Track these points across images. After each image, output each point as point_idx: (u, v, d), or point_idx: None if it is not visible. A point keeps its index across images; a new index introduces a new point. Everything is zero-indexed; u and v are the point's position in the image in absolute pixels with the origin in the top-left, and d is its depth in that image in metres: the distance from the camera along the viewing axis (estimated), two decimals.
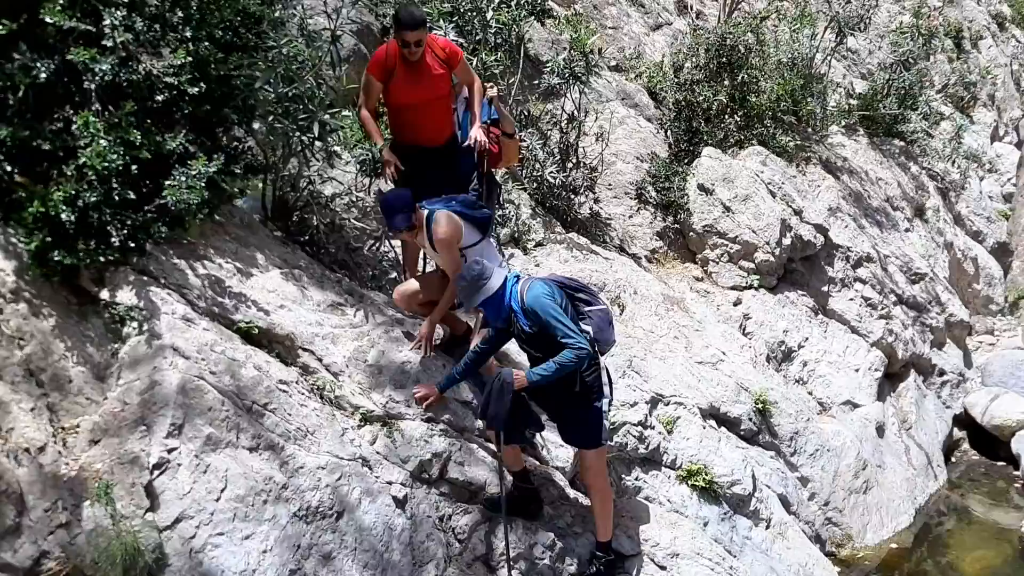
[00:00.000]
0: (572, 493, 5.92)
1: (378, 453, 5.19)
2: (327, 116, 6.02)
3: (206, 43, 5.36)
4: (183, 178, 4.97)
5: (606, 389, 5.38)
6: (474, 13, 8.37)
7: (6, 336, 4.44)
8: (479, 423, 5.50)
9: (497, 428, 5.17)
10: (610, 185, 9.59)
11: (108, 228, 4.85)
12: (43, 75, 4.77)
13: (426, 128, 6.16)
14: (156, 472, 4.42)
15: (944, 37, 15.53)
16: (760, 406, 7.93)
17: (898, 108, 12.66)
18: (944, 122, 14.01)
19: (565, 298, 5.23)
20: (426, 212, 5.56)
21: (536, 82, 9.20)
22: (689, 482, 6.71)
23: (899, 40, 13.05)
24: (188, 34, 5.27)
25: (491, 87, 6.58)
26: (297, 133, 6.01)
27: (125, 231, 4.91)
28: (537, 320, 5.07)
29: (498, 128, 6.59)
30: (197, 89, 5.22)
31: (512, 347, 5.86)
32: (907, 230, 11.99)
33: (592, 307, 5.33)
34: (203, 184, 5.01)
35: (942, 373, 11.13)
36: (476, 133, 6.23)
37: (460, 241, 5.57)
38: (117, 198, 4.83)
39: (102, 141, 4.69)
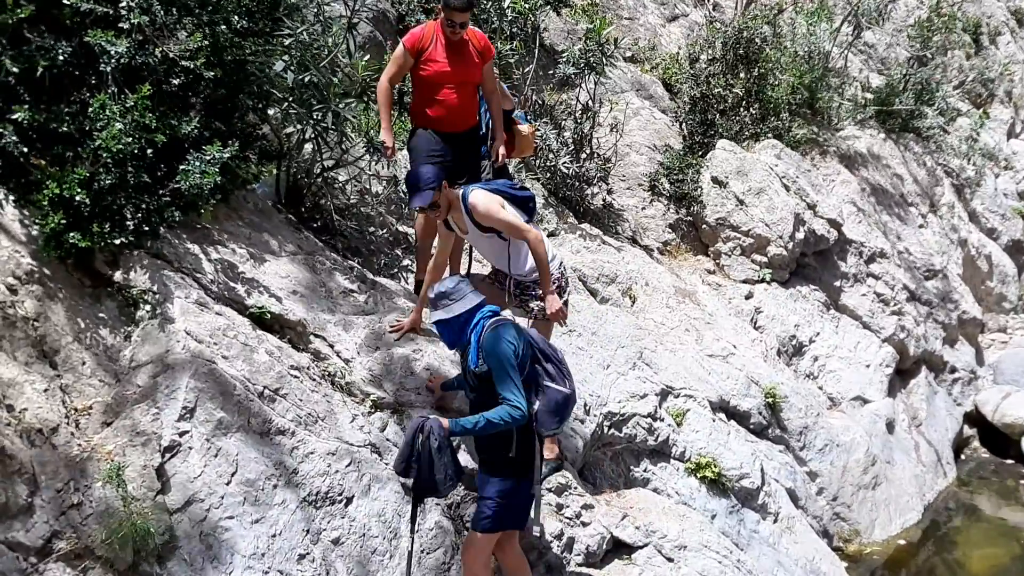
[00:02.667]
0: (580, 483, 5.92)
1: (388, 440, 5.20)
2: (342, 103, 6.02)
3: (222, 27, 5.36)
4: (197, 163, 4.99)
5: (537, 475, 4.75)
6: (490, 1, 8.35)
7: (20, 317, 4.46)
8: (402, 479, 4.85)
9: (424, 495, 4.67)
10: (623, 176, 9.57)
11: (123, 211, 4.87)
12: (60, 58, 4.79)
13: (455, 109, 6.07)
14: (167, 455, 4.44)
15: (962, 32, 15.41)
16: (770, 400, 7.92)
17: (914, 103, 12.58)
18: (960, 118, 13.91)
19: (531, 360, 4.65)
20: (460, 192, 5.25)
21: (551, 72, 9.18)
22: (698, 475, 6.71)
23: (917, 35, 12.96)
24: (204, 18, 5.27)
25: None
26: (312, 120, 6.01)
27: (140, 214, 4.93)
28: (487, 363, 4.52)
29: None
30: (213, 74, 5.22)
31: None
32: (921, 226, 11.93)
33: (554, 385, 4.69)
34: (217, 169, 5.03)
35: (953, 370, 11.10)
36: (501, 149, 6.26)
37: (505, 207, 5.22)
38: (132, 181, 4.85)
39: (118, 124, 4.71)
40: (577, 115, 9.12)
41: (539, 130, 8.58)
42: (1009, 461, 10.26)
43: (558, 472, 5.68)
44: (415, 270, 6.21)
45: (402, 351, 5.55)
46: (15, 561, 3.91)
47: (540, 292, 5.31)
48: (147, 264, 4.97)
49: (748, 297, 9.21)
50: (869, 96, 12.78)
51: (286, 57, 5.66)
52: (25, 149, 4.68)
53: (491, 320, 4.63)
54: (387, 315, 5.78)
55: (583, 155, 9.04)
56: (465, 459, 5.08)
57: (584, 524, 5.68)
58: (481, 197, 5.14)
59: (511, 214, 5.20)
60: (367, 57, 6.73)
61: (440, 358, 5.67)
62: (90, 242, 4.71)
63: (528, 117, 7.13)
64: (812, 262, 9.98)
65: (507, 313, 5.21)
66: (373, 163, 7.02)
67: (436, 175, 5.15)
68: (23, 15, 4.70)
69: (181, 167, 5.00)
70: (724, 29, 10.59)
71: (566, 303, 5.44)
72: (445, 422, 4.55)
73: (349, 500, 4.85)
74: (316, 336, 5.40)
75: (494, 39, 8.10)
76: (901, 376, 10.12)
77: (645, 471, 6.56)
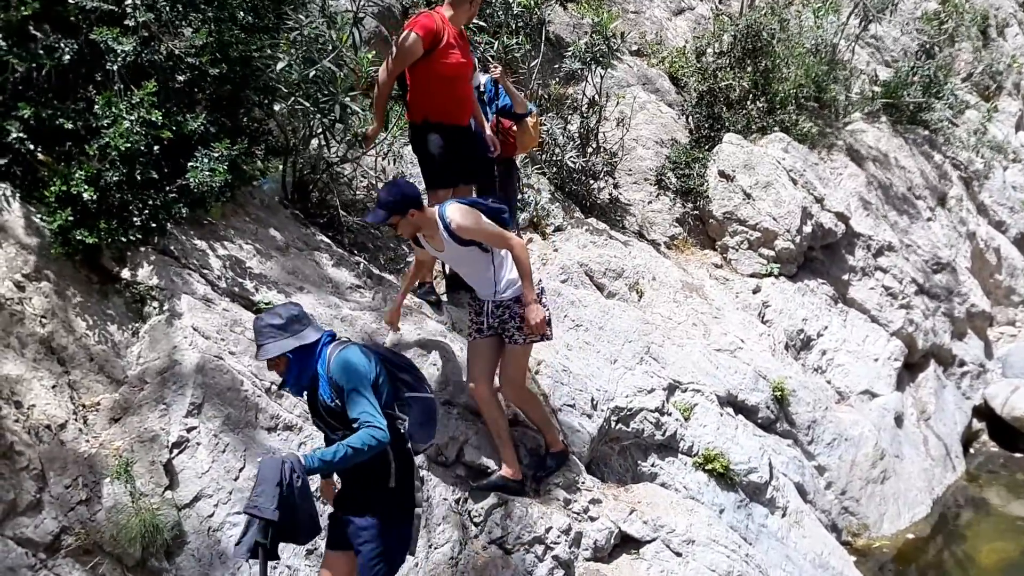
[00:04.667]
0: (588, 478, 5.92)
1: None
2: (348, 98, 6.01)
3: (228, 23, 5.36)
4: (206, 160, 5.00)
5: (419, 496, 4.24)
6: None
7: (28, 314, 4.47)
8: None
9: (284, 540, 3.95)
10: (630, 171, 9.55)
11: (130, 208, 4.89)
12: (67, 56, 4.79)
13: (467, 102, 6.04)
14: (175, 451, 4.46)
15: (970, 25, 15.33)
16: (778, 394, 7.89)
17: (922, 96, 12.52)
18: (969, 111, 13.84)
19: (385, 376, 4.13)
20: (436, 210, 5.01)
21: (557, 66, 9.16)
22: (706, 469, 6.69)
23: (924, 27, 12.90)
24: (210, 14, 5.27)
25: (495, 67, 6.54)
26: (318, 115, 6.00)
27: (146, 211, 4.94)
28: (339, 386, 3.96)
29: (508, 118, 6.57)
30: (218, 70, 5.22)
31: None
32: (929, 219, 11.88)
33: (416, 393, 4.27)
34: (225, 166, 5.03)
35: (962, 364, 11.05)
36: (492, 138, 6.31)
37: (482, 219, 5.08)
38: (139, 178, 4.86)
39: (124, 121, 4.72)
40: (583, 109, 9.10)
41: (545, 124, 8.57)
42: (1018, 455, 10.21)
43: (564, 466, 5.69)
44: None
45: (408, 346, 5.55)
46: (24, 557, 3.93)
47: (521, 311, 5.15)
48: (154, 260, 4.98)
49: (756, 291, 9.18)
50: (877, 89, 12.72)
51: (292, 51, 5.64)
52: (32, 146, 4.69)
53: (332, 344, 4.08)
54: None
55: (589, 149, 9.02)
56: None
57: (592, 519, 5.68)
58: (458, 211, 4.97)
59: (491, 224, 5.07)
60: (372, 53, 6.71)
61: (446, 354, 5.67)
62: (97, 239, 4.72)
63: (532, 107, 7.12)
64: (820, 256, 9.94)
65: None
66: (380, 159, 7.01)
67: (408, 195, 4.84)
68: (27, 12, 4.70)
69: (190, 164, 5.01)
70: (731, 22, 10.55)
71: (549, 323, 5.29)
72: (300, 456, 3.91)
73: None
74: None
75: (500, 33, 8.09)
76: (909, 370, 10.08)
77: (653, 466, 6.55)
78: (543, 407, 5.75)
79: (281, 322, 3.98)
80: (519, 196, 7.56)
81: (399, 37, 5.83)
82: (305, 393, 4.15)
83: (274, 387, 4.87)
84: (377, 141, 6.57)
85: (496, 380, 5.44)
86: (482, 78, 6.58)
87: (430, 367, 5.51)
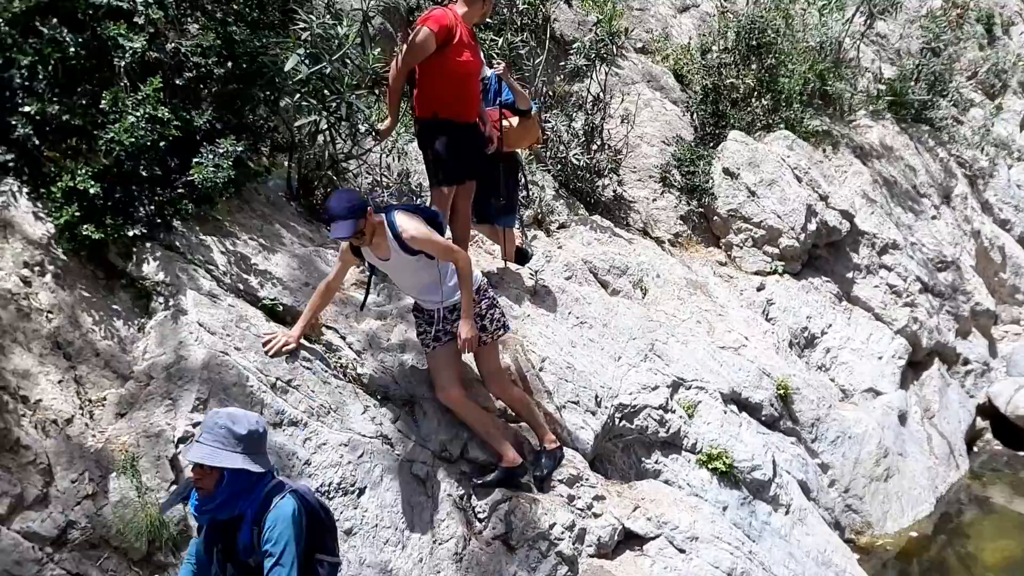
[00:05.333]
0: (592, 474, 5.93)
1: (399, 431, 5.22)
2: (354, 96, 6.01)
3: (234, 21, 5.37)
4: (211, 156, 5.01)
5: None
6: None
7: (35, 309, 4.49)
8: None
9: None
10: (634, 168, 9.55)
11: (136, 203, 4.90)
12: (72, 50, 4.80)
13: (474, 99, 6.04)
14: (181, 445, 4.46)
15: (975, 23, 15.31)
16: (782, 392, 7.90)
17: (927, 94, 12.52)
18: (974, 109, 13.82)
19: (308, 539, 3.53)
20: (383, 217, 4.86)
21: (562, 63, 9.16)
22: (709, 466, 6.70)
23: (930, 25, 12.89)
24: (217, 13, 5.28)
25: (499, 63, 6.54)
26: (324, 113, 6.01)
27: (152, 207, 4.96)
28: (269, 542, 3.40)
29: (511, 111, 6.56)
30: (224, 68, 5.23)
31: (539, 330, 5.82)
32: (934, 217, 11.87)
33: (328, 558, 3.66)
34: (231, 162, 5.04)
35: (966, 362, 11.05)
36: (492, 133, 6.29)
37: (432, 232, 4.95)
38: (145, 174, 4.87)
39: (131, 117, 4.73)
40: (588, 106, 9.10)
41: (550, 121, 8.58)
42: (1022, 453, 10.21)
43: (560, 463, 5.67)
44: None
45: (413, 343, 5.56)
46: (31, 551, 3.94)
47: (479, 311, 5.19)
48: (160, 256, 5.00)
49: (760, 289, 9.19)
50: (881, 87, 12.72)
51: (300, 51, 5.64)
52: (38, 142, 4.70)
53: (273, 487, 3.50)
54: (399, 307, 5.78)
55: (594, 147, 9.02)
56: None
57: (596, 515, 5.69)
58: (409, 221, 4.84)
59: (437, 235, 4.98)
60: (378, 50, 6.72)
61: None
62: (103, 234, 4.74)
63: (536, 103, 7.11)
64: (824, 253, 9.94)
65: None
66: (385, 156, 7.02)
67: (362, 202, 4.72)
68: (32, 4, 4.71)
69: (195, 160, 5.02)
70: (736, 19, 10.54)
71: (500, 327, 5.32)
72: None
73: (361, 491, 4.87)
74: (328, 328, 5.42)
75: (504, 30, 8.09)
76: (914, 368, 10.08)
77: (656, 463, 6.55)
78: (530, 402, 5.70)
79: (242, 434, 3.41)
80: (525, 193, 7.57)
81: (411, 32, 5.82)
82: (204, 528, 3.59)
83: (279, 383, 4.88)
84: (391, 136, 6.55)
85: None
86: (487, 71, 6.58)
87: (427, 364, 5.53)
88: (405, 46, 5.81)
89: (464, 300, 5.07)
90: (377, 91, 6.65)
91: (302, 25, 5.76)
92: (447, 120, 5.87)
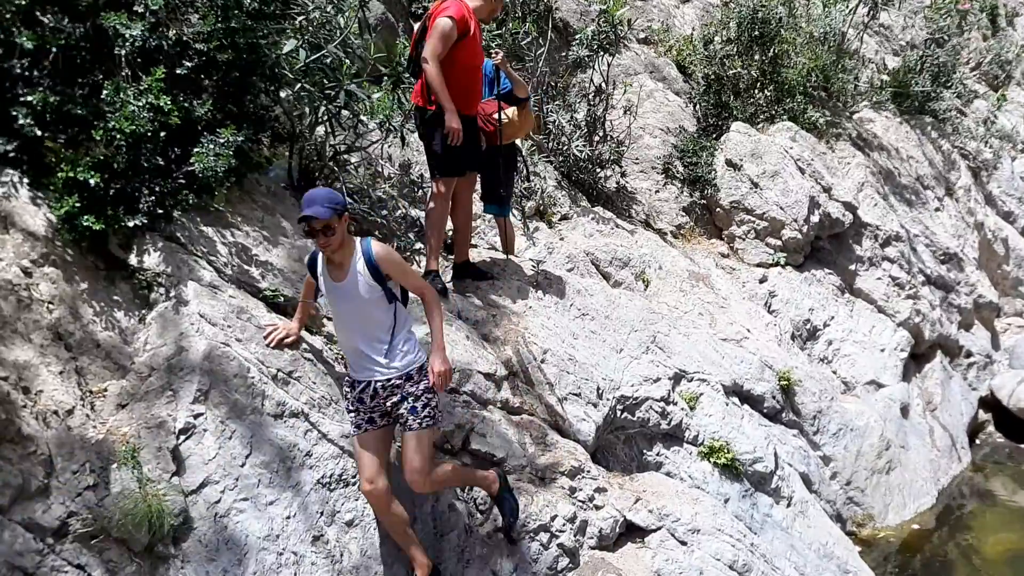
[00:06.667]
0: (593, 467, 5.92)
1: None
2: (354, 85, 5.99)
3: (234, 10, 5.34)
4: (212, 146, 4.99)
5: None
6: None
7: (36, 300, 4.48)
8: None
9: None
10: (637, 159, 9.52)
11: (137, 194, 4.88)
12: (73, 40, 4.78)
13: (474, 96, 6.07)
14: (182, 437, 4.46)
15: (979, 14, 15.25)
16: (784, 384, 7.89)
17: (931, 85, 12.47)
18: (977, 100, 13.78)
19: None
20: (358, 241, 4.61)
21: (564, 54, 9.13)
22: (711, 459, 6.70)
23: (933, 16, 12.84)
24: (217, 1, 5.25)
25: (496, 52, 6.53)
26: (324, 101, 5.99)
27: (153, 197, 4.93)
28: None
29: (507, 101, 6.53)
30: (226, 56, 5.20)
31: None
32: (937, 209, 11.84)
33: None
34: (231, 152, 5.02)
35: (969, 354, 11.04)
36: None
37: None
38: (146, 164, 4.85)
39: (132, 107, 4.71)
40: (590, 97, 9.07)
41: (553, 114, 8.54)
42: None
43: (516, 504, 5.19)
44: (426, 255, 6.19)
45: (415, 334, 5.54)
46: (32, 542, 3.93)
47: (415, 389, 4.64)
48: (161, 247, 4.98)
49: (762, 281, 9.17)
50: (885, 78, 12.68)
51: (298, 35, 5.62)
52: (39, 132, 4.68)
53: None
54: None
55: (596, 138, 9.00)
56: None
57: (597, 507, 5.69)
58: (384, 246, 4.58)
59: (413, 272, 4.73)
60: (378, 40, 6.69)
61: (452, 342, 5.66)
62: (104, 225, 4.72)
63: (536, 98, 7.09)
64: (827, 245, 9.92)
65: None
66: (386, 146, 7.00)
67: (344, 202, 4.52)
68: None
69: (196, 150, 5.00)
70: (739, 10, 10.50)
71: (430, 417, 4.68)
72: None
73: None
74: (329, 319, 5.40)
75: (506, 20, 8.05)
76: (916, 360, 10.07)
77: (658, 455, 6.55)
78: (460, 473, 5.04)
79: None
80: (526, 184, 7.55)
81: (416, 24, 5.83)
82: None
83: (281, 374, 4.87)
84: (388, 127, 6.50)
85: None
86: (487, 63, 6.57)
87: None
88: (428, 41, 5.74)
89: (435, 332, 4.69)
90: (377, 85, 6.63)
91: (299, 11, 5.73)
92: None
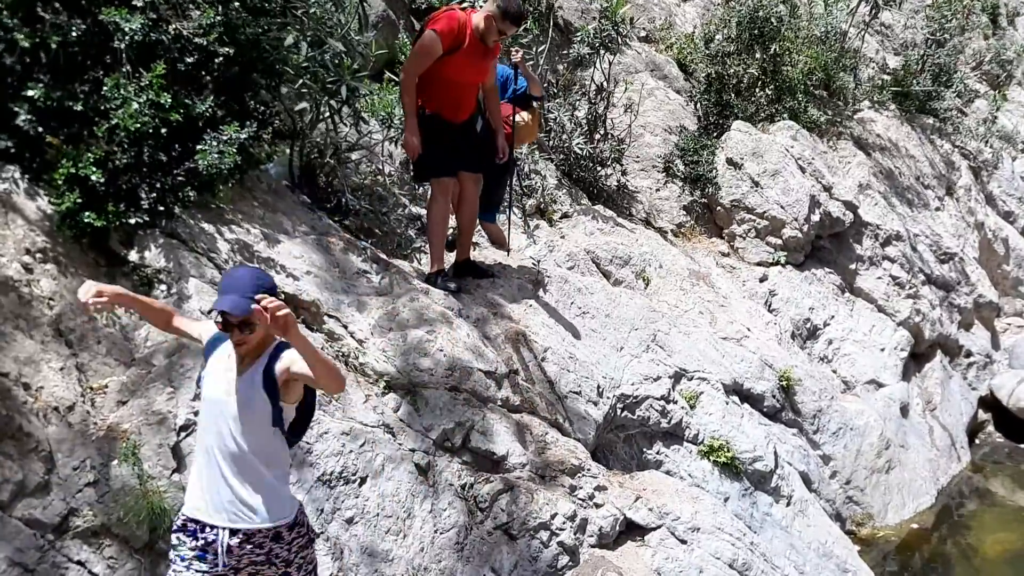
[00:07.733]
0: (593, 465, 5.92)
1: (401, 420, 5.21)
2: (355, 81, 5.98)
3: (235, 5, 5.34)
4: (215, 143, 4.98)
5: None
6: None
7: (36, 296, 4.47)
8: None
9: None
10: (637, 158, 9.52)
11: (138, 191, 4.87)
12: (73, 35, 4.77)
13: (463, 107, 6.01)
14: (183, 433, 4.46)
15: (980, 13, 15.24)
16: (784, 383, 7.89)
17: (932, 85, 12.47)
18: (978, 100, 13.78)
19: None
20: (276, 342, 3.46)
21: (565, 52, 9.12)
22: (711, 457, 6.70)
23: (934, 15, 12.84)
24: None
25: (517, 51, 6.53)
26: (325, 98, 5.98)
27: (154, 194, 4.93)
28: None
29: (523, 102, 6.54)
30: (226, 51, 5.20)
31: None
32: (938, 209, 11.85)
33: None
34: (235, 149, 5.02)
35: (969, 354, 11.04)
36: (504, 144, 6.24)
37: None
38: (147, 160, 4.84)
39: (133, 103, 4.70)
40: (591, 95, 9.06)
41: (553, 113, 8.53)
42: (1023, 445, 10.22)
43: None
44: (429, 257, 6.20)
45: (416, 332, 5.55)
46: (33, 538, 3.93)
47: (287, 553, 3.48)
48: (162, 244, 4.97)
49: (762, 280, 9.17)
50: (886, 77, 12.68)
51: (299, 30, 5.61)
52: (40, 128, 4.67)
53: None
54: (401, 296, 5.77)
55: (597, 136, 8.99)
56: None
57: (597, 506, 5.69)
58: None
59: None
60: (379, 37, 6.69)
61: (453, 340, 5.66)
62: (105, 221, 4.71)
63: (538, 103, 7.08)
64: (827, 245, 9.92)
65: None
66: (387, 143, 6.99)
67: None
68: None
69: (198, 147, 4.99)
70: (740, 8, 10.49)
71: None
72: None
73: (363, 480, 4.86)
74: (330, 316, 5.40)
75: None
76: (916, 360, 10.07)
77: (658, 453, 6.55)
78: None
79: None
80: (525, 183, 7.55)
81: (419, 28, 5.78)
82: None
83: None
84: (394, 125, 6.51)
85: None
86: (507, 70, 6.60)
87: (436, 352, 5.51)
88: (409, 54, 5.74)
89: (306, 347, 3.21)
90: (381, 78, 6.63)
91: (301, 9, 5.73)
92: (434, 114, 5.91)
